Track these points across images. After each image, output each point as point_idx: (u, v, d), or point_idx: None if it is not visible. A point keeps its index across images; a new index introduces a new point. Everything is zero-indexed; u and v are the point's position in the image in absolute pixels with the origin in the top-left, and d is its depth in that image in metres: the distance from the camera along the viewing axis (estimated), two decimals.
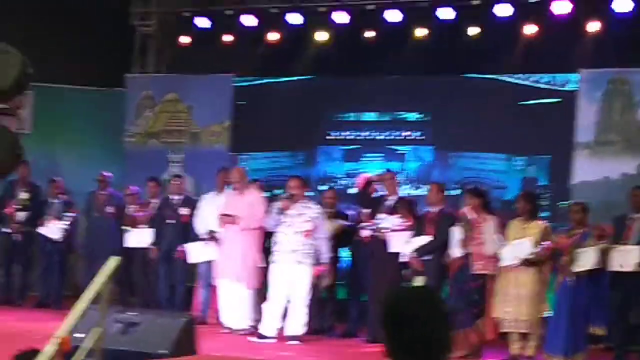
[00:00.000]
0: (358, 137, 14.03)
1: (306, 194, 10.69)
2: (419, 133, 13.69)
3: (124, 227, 12.48)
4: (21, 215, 12.70)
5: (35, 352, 5.67)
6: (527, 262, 9.46)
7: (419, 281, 5.35)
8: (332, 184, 13.48)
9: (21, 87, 6.12)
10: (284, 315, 10.25)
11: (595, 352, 9.81)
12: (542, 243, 9.43)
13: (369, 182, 11.01)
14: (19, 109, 6.34)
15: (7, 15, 13.25)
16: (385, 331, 2.81)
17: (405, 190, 12.92)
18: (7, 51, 5.99)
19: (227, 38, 14.65)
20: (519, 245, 9.54)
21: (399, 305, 2.76)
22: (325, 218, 10.66)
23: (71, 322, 4.57)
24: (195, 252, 11.67)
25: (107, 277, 5.06)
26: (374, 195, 11.05)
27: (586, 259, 9.23)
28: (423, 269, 9.87)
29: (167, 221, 12.24)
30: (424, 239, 10.06)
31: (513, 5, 12.89)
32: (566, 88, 12.87)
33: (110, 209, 12.87)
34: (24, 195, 12.74)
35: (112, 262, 5.07)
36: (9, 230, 12.76)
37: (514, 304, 9.51)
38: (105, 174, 13.06)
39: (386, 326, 2.80)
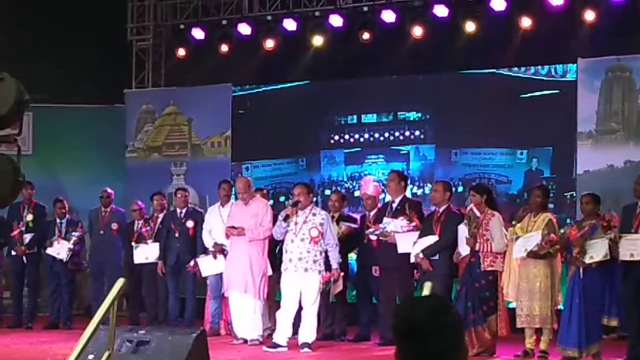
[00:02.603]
0: (360, 140, 14.01)
1: (312, 200, 10.65)
2: (420, 132, 13.66)
3: (133, 244, 12.44)
4: (27, 237, 12.67)
5: None
6: (532, 254, 9.42)
7: (426, 287, 5.28)
8: (337, 188, 13.45)
9: (18, 114, 6.12)
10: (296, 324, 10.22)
11: (609, 342, 9.75)
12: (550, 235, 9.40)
13: (371, 197, 11.09)
14: (18, 135, 6.31)
15: (2, 36, 13.24)
16: (397, 343, 2.79)
17: (410, 190, 12.89)
18: (2, 78, 5.97)
19: (224, 48, 14.63)
20: (529, 238, 9.50)
21: (409, 318, 2.73)
22: (332, 222, 10.62)
23: (80, 347, 4.54)
24: (206, 266, 11.64)
25: (114, 298, 5.03)
26: (380, 202, 11.10)
27: (597, 250, 9.17)
28: (432, 269, 9.85)
29: (174, 235, 12.22)
30: (431, 239, 10.02)
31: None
32: (566, 78, 12.85)
33: (114, 226, 12.85)
34: (29, 217, 12.72)
35: (119, 284, 5.04)
36: (16, 253, 12.73)
37: (526, 299, 9.48)
38: (108, 190, 13.03)
39: (397, 338, 2.78)
